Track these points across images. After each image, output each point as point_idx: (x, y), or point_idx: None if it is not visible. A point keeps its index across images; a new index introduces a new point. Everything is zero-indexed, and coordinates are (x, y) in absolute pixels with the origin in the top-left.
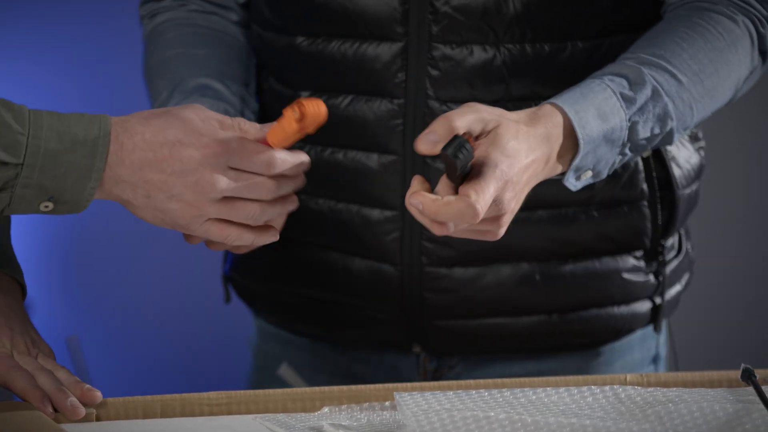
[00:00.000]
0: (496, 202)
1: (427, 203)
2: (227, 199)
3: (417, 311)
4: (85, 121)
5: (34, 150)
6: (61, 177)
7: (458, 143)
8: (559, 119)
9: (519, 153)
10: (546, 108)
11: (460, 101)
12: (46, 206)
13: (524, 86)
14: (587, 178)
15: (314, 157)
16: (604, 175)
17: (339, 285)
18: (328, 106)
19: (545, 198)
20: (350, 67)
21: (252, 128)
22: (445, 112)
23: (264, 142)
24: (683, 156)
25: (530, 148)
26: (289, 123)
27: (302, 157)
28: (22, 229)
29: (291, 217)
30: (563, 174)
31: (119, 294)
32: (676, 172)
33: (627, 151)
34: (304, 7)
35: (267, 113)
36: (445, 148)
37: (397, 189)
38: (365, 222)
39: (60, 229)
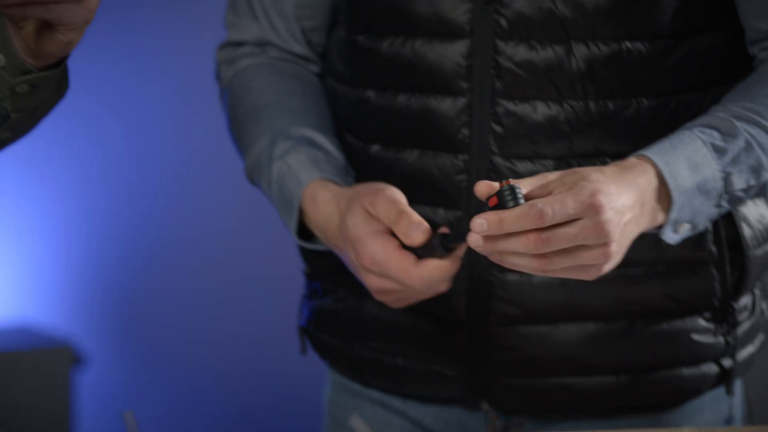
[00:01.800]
0: (596, 227)
1: (491, 217)
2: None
3: (483, 369)
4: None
5: None
6: None
7: (509, 188)
8: (649, 170)
9: (609, 185)
10: (633, 160)
11: (523, 158)
12: None
13: (588, 143)
14: (685, 231)
15: None
16: (701, 228)
17: (408, 341)
18: (396, 161)
19: None
20: (417, 121)
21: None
22: (509, 168)
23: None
24: (754, 215)
25: (621, 188)
26: None
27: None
28: (81, 288)
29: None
30: (659, 228)
31: (190, 345)
32: (747, 232)
33: (724, 203)
34: (373, 60)
35: None
36: (498, 193)
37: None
38: None
39: (122, 286)
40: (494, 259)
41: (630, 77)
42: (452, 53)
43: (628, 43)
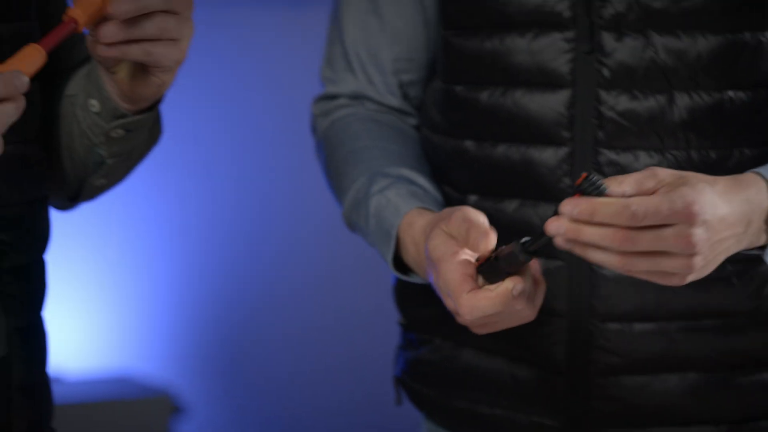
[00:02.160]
0: (683, 237)
1: (583, 204)
2: None
3: (583, 419)
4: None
5: None
6: None
7: (593, 179)
8: (762, 186)
9: (712, 197)
10: (751, 176)
11: None
12: None
13: None
14: None
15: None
16: None
17: (506, 390)
18: (495, 211)
19: (712, 307)
20: (516, 171)
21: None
22: None
23: (69, 20)
24: None
25: (726, 203)
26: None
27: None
28: (181, 338)
29: (456, 321)
30: (763, 248)
31: (289, 395)
32: None
33: None
34: (471, 111)
35: None
36: (580, 185)
37: (563, 294)
38: (532, 328)
39: (221, 335)
40: (576, 250)
41: (732, 127)
42: (554, 103)
43: (730, 93)
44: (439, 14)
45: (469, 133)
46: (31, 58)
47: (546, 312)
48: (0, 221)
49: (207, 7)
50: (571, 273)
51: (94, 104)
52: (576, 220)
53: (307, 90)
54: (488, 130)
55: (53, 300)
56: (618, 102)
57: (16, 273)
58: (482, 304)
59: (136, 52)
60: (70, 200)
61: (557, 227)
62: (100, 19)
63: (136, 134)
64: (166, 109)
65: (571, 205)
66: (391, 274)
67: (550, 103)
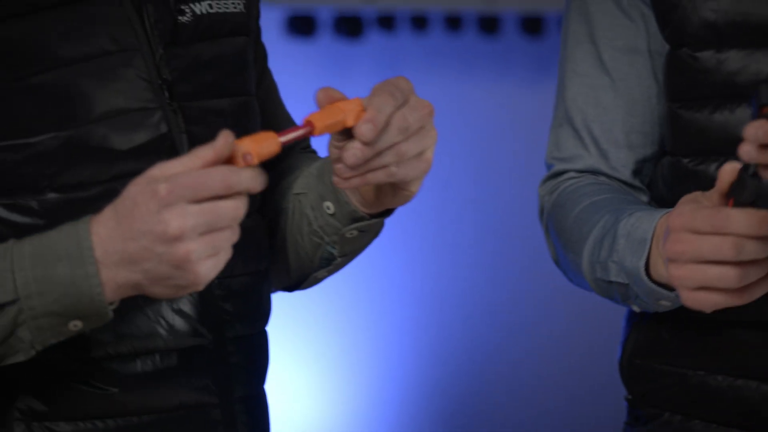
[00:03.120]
0: None
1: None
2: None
3: None
4: (63, 233)
5: (24, 281)
6: (62, 296)
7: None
8: None
9: None
10: None
11: None
12: (75, 325)
13: None
14: None
15: (713, 333)
16: None
17: None
18: None
19: None
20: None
21: (204, 150)
22: None
23: (307, 123)
24: None
25: None
26: (335, 110)
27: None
28: (410, 400)
29: (688, 394)
30: None
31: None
32: None
33: None
34: (699, 184)
35: None
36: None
37: None
38: (765, 399)
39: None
40: None
41: None
42: None
43: None
44: (665, 86)
45: None
46: (268, 145)
47: None
48: (224, 291)
49: None
50: None
51: (329, 206)
52: None
53: None
54: None
55: (274, 371)
56: None
57: (240, 343)
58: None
59: (379, 176)
60: (287, 290)
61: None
62: (338, 130)
63: (370, 234)
64: None
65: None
66: (617, 349)
67: None
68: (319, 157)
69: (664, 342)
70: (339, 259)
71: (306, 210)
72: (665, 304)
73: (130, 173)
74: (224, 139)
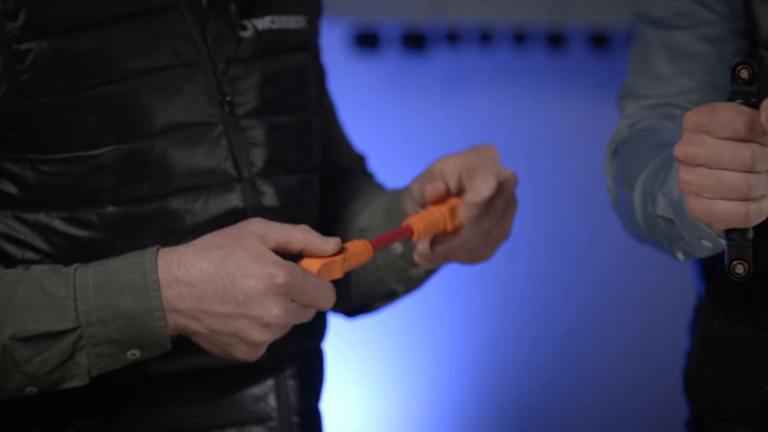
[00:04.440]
0: None
1: None
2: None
3: None
4: (128, 264)
5: (86, 309)
6: (124, 326)
7: None
8: None
9: None
10: None
11: None
12: (133, 354)
13: None
14: None
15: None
16: None
17: None
18: None
19: None
20: None
21: (317, 240)
22: None
23: (407, 231)
24: None
25: None
26: (435, 213)
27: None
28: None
29: (761, 411)
30: None
31: None
32: None
33: None
34: None
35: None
36: None
37: None
38: None
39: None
40: None
41: None
42: None
43: None
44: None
45: None
46: (359, 254)
47: None
48: None
49: None
50: None
51: (398, 247)
52: None
53: None
54: None
55: (331, 389)
56: None
57: (296, 360)
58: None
59: (461, 256)
60: (347, 315)
61: None
62: (436, 233)
63: (435, 270)
64: None
65: None
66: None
67: None
68: (381, 187)
69: (734, 353)
70: (401, 294)
71: None
72: (707, 246)
73: (189, 188)
74: (335, 244)
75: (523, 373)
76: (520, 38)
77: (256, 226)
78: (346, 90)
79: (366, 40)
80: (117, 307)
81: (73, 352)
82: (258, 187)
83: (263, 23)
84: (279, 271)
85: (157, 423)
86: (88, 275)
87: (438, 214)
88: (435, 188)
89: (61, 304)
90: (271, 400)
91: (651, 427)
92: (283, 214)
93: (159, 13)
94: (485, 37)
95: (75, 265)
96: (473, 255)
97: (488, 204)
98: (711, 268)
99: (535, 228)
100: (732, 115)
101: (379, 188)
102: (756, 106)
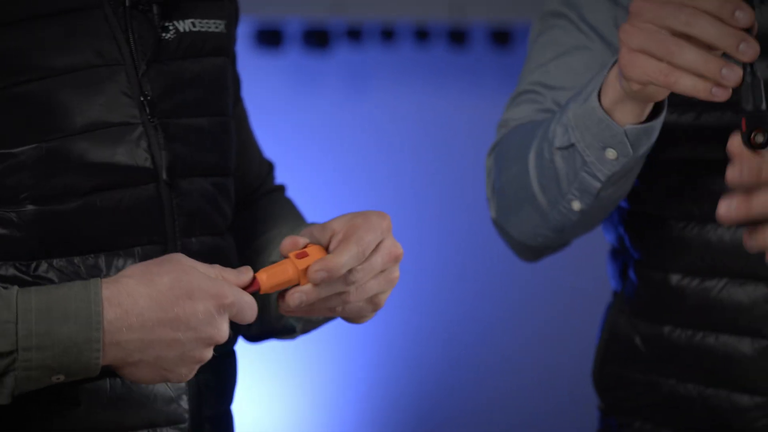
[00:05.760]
0: None
1: None
2: None
3: None
4: (73, 293)
5: (26, 333)
6: (60, 354)
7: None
8: None
9: None
10: None
11: None
12: (58, 378)
13: None
14: None
15: (684, 341)
16: None
17: None
18: (702, 290)
19: None
20: (726, 251)
21: (231, 275)
22: None
23: (255, 284)
24: None
25: None
26: (288, 270)
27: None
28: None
29: (659, 402)
30: None
31: None
32: None
33: None
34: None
35: (637, 299)
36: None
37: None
38: (735, 408)
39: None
40: None
41: None
42: None
43: None
44: None
45: (674, 211)
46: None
47: (751, 390)
48: None
49: None
50: None
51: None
52: None
53: None
54: (695, 208)
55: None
56: None
57: (210, 363)
58: None
59: (324, 313)
60: (247, 338)
61: None
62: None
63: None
64: None
65: None
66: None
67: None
68: (290, 211)
69: (635, 350)
70: (299, 333)
71: None
72: (611, 156)
73: (107, 187)
74: (246, 274)
75: (431, 370)
76: (422, 35)
77: (179, 255)
78: (248, 87)
79: (268, 37)
80: (57, 335)
81: (2, 374)
82: (175, 187)
83: (185, 25)
84: (228, 291)
85: (68, 424)
86: (31, 300)
87: (290, 268)
88: (292, 243)
89: (1, 327)
90: (184, 402)
91: (566, 419)
92: (199, 215)
93: (82, 13)
94: (387, 34)
95: (15, 288)
96: (350, 314)
97: (346, 269)
98: (625, 267)
99: (438, 224)
100: None
101: (288, 212)
102: None
